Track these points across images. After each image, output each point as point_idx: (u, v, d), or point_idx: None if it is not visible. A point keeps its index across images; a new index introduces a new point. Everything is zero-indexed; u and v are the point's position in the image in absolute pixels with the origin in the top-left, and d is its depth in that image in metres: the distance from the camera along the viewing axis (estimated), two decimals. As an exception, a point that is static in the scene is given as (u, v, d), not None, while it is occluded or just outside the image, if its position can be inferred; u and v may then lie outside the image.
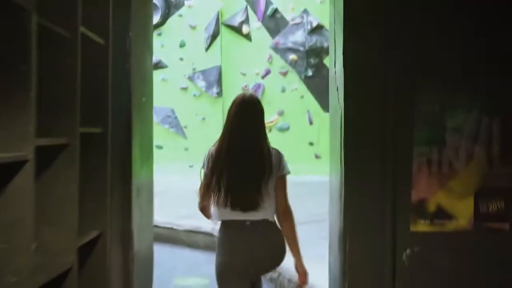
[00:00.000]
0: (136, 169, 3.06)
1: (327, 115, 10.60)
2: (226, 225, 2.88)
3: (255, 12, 10.62)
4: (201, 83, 10.57)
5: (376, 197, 3.02)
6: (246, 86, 10.57)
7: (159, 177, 9.93)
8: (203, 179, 2.92)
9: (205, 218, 3.02)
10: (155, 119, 10.56)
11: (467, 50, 3.00)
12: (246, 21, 10.62)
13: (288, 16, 10.57)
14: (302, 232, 6.08)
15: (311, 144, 10.75)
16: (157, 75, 10.49)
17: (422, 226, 3.02)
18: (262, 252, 2.84)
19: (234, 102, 2.94)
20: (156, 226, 6.90)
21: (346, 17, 3.07)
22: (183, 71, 10.71)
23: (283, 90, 10.67)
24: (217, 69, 10.51)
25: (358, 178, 3.04)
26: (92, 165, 2.52)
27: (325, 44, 10.43)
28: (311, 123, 10.74)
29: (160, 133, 10.78)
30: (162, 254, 6.38)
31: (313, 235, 6.08)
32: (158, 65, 10.61)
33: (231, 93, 10.55)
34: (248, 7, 10.61)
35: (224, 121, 2.96)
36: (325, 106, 10.56)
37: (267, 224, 2.84)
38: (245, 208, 2.79)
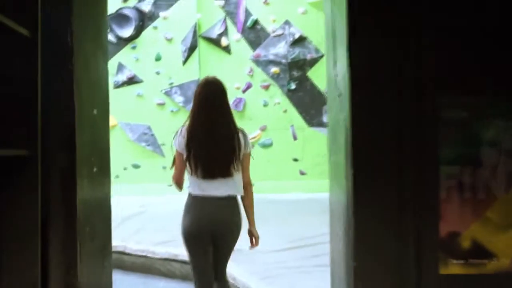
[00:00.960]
0: (85, 196, 2.31)
1: (311, 130, 10.24)
2: (192, 197, 3.24)
3: (234, 23, 9.96)
4: (179, 98, 9.86)
5: (395, 229, 2.31)
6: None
7: (136, 198, 9.32)
8: (176, 156, 3.28)
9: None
10: (131, 137, 9.83)
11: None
12: (225, 33, 9.94)
13: (269, 28, 9.94)
14: (291, 259, 5.41)
15: (295, 160, 10.11)
16: (132, 90, 9.81)
17: (454, 268, 2.31)
18: (221, 220, 3.22)
19: (199, 85, 3.34)
20: (128, 254, 6.19)
21: (351, 7, 2.36)
22: (160, 86, 9.98)
23: (265, 104, 10.03)
24: (195, 83, 9.76)
25: (370, 205, 2.33)
26: (16, 199, 1.78)
27: (308, 56, 9.84)
28: (295, 138, 10.09)
29: (136, 152, 10.07)
30: (134, 286, 5.68)
31: (306, 263, 5.34)
32: (133, 80, 9.90)
33: None
34: (227, 18, 9.95)
35: (192, 103, 3.30)
36: (309, 120, 10.00)
37: (230, 199, 3.22)
38: (219, 175, 3.17)
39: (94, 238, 2.41)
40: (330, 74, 2.75)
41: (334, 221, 2.85)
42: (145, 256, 5.95)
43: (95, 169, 2.35)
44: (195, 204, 3.23)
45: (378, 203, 2.32)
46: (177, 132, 3.31)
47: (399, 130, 2.31)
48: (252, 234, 3.55)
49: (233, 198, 3.25)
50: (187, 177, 3.29)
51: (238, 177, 3.24)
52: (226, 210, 3.22)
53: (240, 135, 3.25)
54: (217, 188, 3.19)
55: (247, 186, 3.36)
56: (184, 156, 3.21)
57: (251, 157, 3.36)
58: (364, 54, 2.31)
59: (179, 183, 3.32)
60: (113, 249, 6.21)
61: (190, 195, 3.26)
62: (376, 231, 2.31)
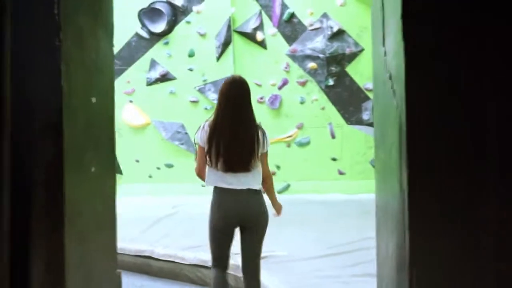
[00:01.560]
0: (77, 199, 1.86)
1: (350, 127, 9.67)
2: (219, 191, 3.42)
3: (270, 17, 9.47)
4: (213, 96, 9.36)
5: (470, 250, 1.79)
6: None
7: (169, 198, 8.94)
8: (198, 150, 3.46)
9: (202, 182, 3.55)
10: (164, 135, 9.46)
11: None
12: (260, 27, 9.45)
13: (306, 21, 9.41)
14: (329, 267, 4.88)
15: (333, 159, 9.54)
16: (165, 87, 9.45)
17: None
18: (249, 210, 3.40)
19: (225, 83, 3.48)
20: (156, 259, 5.79)
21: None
22: (193, 82, 9.53)
23: (302, 102, 9.49)
24: (229, 80, 9.31)
25: (434, 216, 1.82)
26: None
27: (347, 50, 9.29)
28: (333, 136, 9.52)
29: (169, 151, 9.70)
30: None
31: (344, 272, 4.82)
32: (166, 77, 9.52)
33: None
34: (262, 12, 9.45)
35: (217, 100, 3.49)
36: (348, 118, 9.45)
37: (251, 192, 3.38)
38: (238, 169, 3.33)
39: (87, 255, 1.96)
40: (378, 54, 2.25)
41: (382, 225, 2.34)
42: (173, 262, 5.52)
43: (93, 169, 1.90)
44: (222, 196, 3.41)
45: (445, 214, 1.81)
46: (199, 127, 3.48)
47: (476, 119, 1.78)
48: (274, 206, 3.76)
49: (255, 190, 3.41)
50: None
51: (257, 171, 3.41)
52: (251, 200, 3.38)
53: (260, 133, 3.46)
54: (237, 181, 3.35)
55: (266, 178, 3.57)
56: (205, 150, 3.38)
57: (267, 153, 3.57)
58: (425, 21, 1.79)
59: (200, 175, 3.52)
60: (140, 253, 5.86)
61: (215, 188, 3.44)
62: (444, 250, 1.80)
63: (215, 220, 3.45)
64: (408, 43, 1.80)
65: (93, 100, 2.02)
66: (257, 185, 3.43)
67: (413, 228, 1.84)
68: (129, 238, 6.22)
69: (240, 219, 3.43)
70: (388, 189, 2.14)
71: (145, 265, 5.74)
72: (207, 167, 3.45)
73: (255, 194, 3.41)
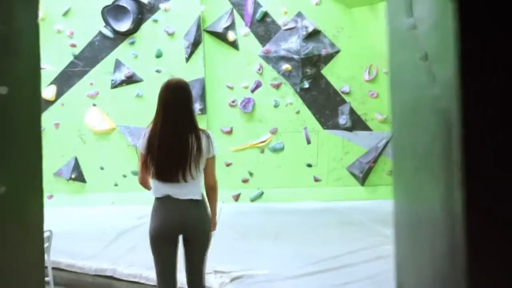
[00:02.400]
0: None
1: (326, 132, 9.15)
2: (159, 199, 3.31)
3: (242, 16, 8.89)
4: (182, 99, 8.72)
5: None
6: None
7: (135, 207, 8.24)
8: (140, 157, 3.36)
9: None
10: (130, 141, 8.78)
11: None
12: (232, 26, 8.86)
13: (280, 21, 8.87)
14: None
15: (309, 165, 9.04)
16: (131, 90, 8.79)
17: None
18: (188, 219, 3.30)
19: (164, 87, 3.40)
20: (119, 280, 5.11)
21: None
22: (161, 85, 8.79)
23: (276, 105, 8.95)
24: (199, 82, 8.73)
25: (500, 234, 1.24)
26: None
27: (323, 52, 8.78)
28: (308, 142, 9.02)
29: (136, 157, 8.93)
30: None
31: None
32: (132, 79, 8.83)
33: (217, 109, 8.88)
34: (234, 11, 8.87)
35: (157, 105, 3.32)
36: (324, 122, 8.97)
37: (192, 201, 3.30)
38: (174, 180, 3.24)
39: None
40: (397, 29, 1.67)
41: (407, 240, 1.78)
42: (137, 282, 4.87)
43: (3, 189, 1.26)
44: (161, 206, 3.29)
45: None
46: (142, 133, 3.39)
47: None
48: (212, 219, 3.50)
49: (196, 200, 3.31)
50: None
51: (196, 182, 3.31)
52: (190, 208, 3.28)
53: (204, 138, 3.30)
54: (177, 191, 3.26)
55: (210, 190, 3.42)
56: (146, 158, 3.28)
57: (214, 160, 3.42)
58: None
59: (143, 183, 3.41)
60: (101, 272, 5.17)
61: (155, 198, 3.33)
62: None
63: (155, 228, 3.31)
64: (462, 3, 1.23)
65: (4, 90, 1.38)
66: (198, 195, 3.33)
67: (473, 248, 1.28)
68: (89, 255, 5.58)
69: (179, 227, 3.33)
70: (424, 196, 1.56)
71: (106, 286, 5.07)
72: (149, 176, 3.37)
73: (196, 203, 3.32)
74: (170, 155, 3.23)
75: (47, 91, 8.81)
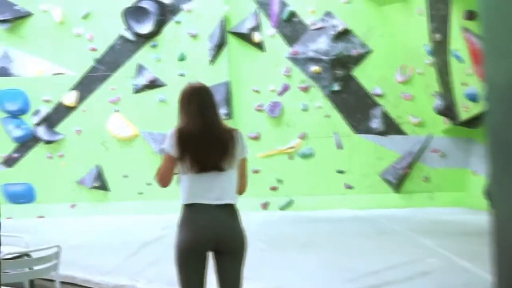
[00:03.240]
0: None
1: (358, 137, 8.60)
2: (190, 207, 2.97)
3: (268, 16, 8.45)
4: (206, 103, 8.31)
5: None
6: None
7: (159, 217, 7.85)
8: (164, 160, 3.02)
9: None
10: (154, 148, 8.39)
11: None
12: (258, 27, 8.43)
13: (307, 20, 8.42)
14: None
15: (340, 172, 8.58)
16: (154, 95, 8.43)
17: None
18: (225, 229, 2.95)
19: (189, 89, 3.10)
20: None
21: None
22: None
23: (305, 109, 8.50)
24: (224, 86, 8.31)
25: None
26: None
27: (354, 52, 8.30)
28: (339, 147, 8.56)
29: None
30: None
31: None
32: (155, 84, 8.45)
33: (243, 114, 8.47)
34: (259, 11, 8.44)
35: (180, 109, 3.07)
36: (355, 126, 8.50)
37: (228, 208, 2.98)
38: (211, 168, 2.94)
39: None
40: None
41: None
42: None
43: None
44: (193, 214, 2.99)
45: None
46: (168, 134, 3.09)
47: None
48: None
49: (232, 206, 3.03)
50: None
51: (233, 180, 3.05)
52: (228, 216, 3.00)
53: (236, 134, 3.07)
54: (211, 193, 2.96)
55: (242, 191, 3.18)
56: (175, 157, 2.99)
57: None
58: None
59: (163, 178, 3.05)
60: (120, 289, 4.76)
61: (184, 206, 3.01)
62: None
63: (185, 240, 2.94)
64: None
65: None
66: (233, 198, 3.03)
67: None
68: (107, 269, 5.14)
69: (214, 239, 2.95)
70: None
71: (125, 304, 4.63)
72: (179, 179, 3.05)
73: (232, 210, 3.03)
74: (207, 149, 2.99)
75: (68, 97, 8.51)
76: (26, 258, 3.77)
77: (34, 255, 3.67)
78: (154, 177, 3.16)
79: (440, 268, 4.67)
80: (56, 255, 3.55)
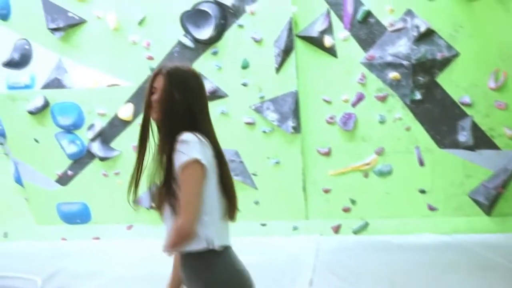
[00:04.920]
0: None
1: (443, 152, 7.23)
2: (229, 250, 2.47)
3: (340, 17, 7.49)
4: (273, 116, 7.53)
5: None
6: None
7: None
8: (199, 179, 2.30)
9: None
10: (215, 163, 7.57)
11: None
12: (329, 30, 7.47)
13: (385, 21, 7.40)
14: None
15: (422, 192, 7.63)
16: (214, 107, 7.61)
17: None
18: None
19: (195, 73, 2.53)
20: None
21: None
22: (248, 100, 7.66)
23: (382, 121, 7.56)
24: (292, 96, 7.46)
25: None
26: None
27: (439, 56, 7.27)
28: (421, 163, 7.58)
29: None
30: None
31: None
32: (216, 94, 7.66)
33: (312, 127, 7.67)
34: (331, 12, 7.49)
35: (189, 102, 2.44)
36: (440, 140, 7.51)
37: None
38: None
39: None
40: None
41: None
42: None
43: None
44: (234, 255, 2.46)
45: None
46: (195, 139, 2.33)
47: None
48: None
49: None
50: None
51: None
52: None
53: None
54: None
55: None
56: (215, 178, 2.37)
57: None
58: None
59: (192, 229, 2.26)
60: None
61: (226, 247, 2.41)
62: None
63: (249, 279, 2.47)
64: None
65: None
66: None
67: None
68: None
69: None
70: None
71: None
72: (208, 215, 2.35)
73: None
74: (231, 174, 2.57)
75: (124, 110, 7.87)
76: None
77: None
78: (182, 228, 2.28)
79: None
80: None
